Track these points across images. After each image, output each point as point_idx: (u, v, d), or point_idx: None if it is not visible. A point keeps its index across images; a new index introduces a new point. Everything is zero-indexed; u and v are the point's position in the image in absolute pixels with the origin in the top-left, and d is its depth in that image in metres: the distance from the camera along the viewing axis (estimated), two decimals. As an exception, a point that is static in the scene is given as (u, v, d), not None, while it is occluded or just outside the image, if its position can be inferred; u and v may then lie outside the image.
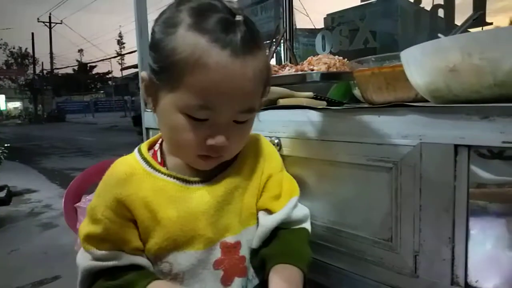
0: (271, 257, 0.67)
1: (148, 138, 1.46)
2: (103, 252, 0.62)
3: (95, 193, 0.67)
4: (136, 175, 0.65)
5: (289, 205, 0.71)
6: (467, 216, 0.56)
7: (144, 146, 0.71)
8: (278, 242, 0.69)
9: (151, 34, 0.63)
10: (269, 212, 0.70)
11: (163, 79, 0.59)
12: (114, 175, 0.66)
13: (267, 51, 0.66)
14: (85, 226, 0.65)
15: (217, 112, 0.58)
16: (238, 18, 0.56)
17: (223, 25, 0.55)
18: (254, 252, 0.70)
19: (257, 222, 0.71)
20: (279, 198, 0.71)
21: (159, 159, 0.69)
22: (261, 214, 0.71)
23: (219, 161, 0.66)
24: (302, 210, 0.74)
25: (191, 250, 0.64)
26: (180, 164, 0.68)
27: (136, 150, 0.70)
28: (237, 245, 0.67)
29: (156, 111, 0.64)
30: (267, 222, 0.69)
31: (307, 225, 0.75)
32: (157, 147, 0.71)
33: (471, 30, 1.12)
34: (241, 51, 0.55)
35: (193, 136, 0.59)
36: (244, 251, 0.68)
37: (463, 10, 1.17)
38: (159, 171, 0.66)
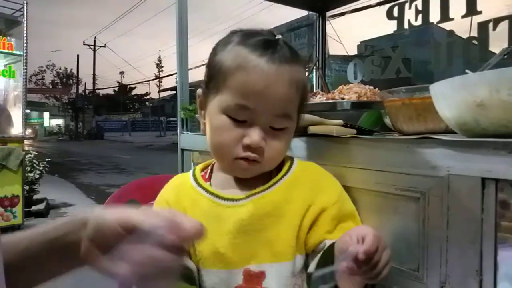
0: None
1: (182, 158, 1.52)
2: None
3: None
4: (183, 186, 0.74)
5: None
6: (495, 249, 0.56)
7: (200, 165, 0.80)
8: None
9: (210, 55, 0.71)
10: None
11: (211, 86, 0.68)
12: (168, 185, 0.77)
13: (306, 71, 0.71)
14: None
15: (254, 113, 0.63)
16: (278, 37, 0.66)
17: (264, 41, 0.65)
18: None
19: (294, 259, 0.67)
20: (332, 232, 0.68)
21: (207, 176, 0.76)
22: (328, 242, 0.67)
23: (256, 169, 0.67)
24: None
25: (214, 268, 0.67)
26: (222, 181, 0.73)
27: (192, 168, 0.79)
28: (261, 275, 0.65)
29: (205, 119, 0.71)
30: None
31: None
32: (210, 166, 0.78)
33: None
34: (278, 60, 0.63)
35: (232, 136, 0.64)
36: (269, 284, 0.65)
37: (501, 37, 1.17)
38: (200, 185, 0.73)
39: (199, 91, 0.73)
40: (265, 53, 0.63)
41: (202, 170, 0.78)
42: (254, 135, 0.63)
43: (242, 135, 0.64)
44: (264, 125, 0.65)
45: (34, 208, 4.45)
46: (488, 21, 1.17)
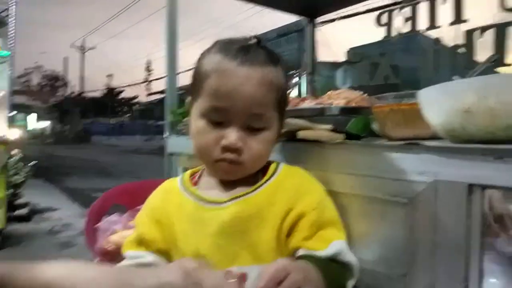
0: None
1: (170, 162, 1.50)
2: (135, 251, 0.70)
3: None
4: (171, 191, 0.75)
5: (333, 247, 0.65)
6: (481, 256, 0.56)
7: (191, 169, 0.80)
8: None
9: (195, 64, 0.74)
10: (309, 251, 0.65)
11: (193, 92, 0.71)
12: (157, 190, 0.78)
13: (283, 72, 0.72)
14: (129, 236, 0.74)
15: (228, 114, 0.65)
16: (252, 41, 0.69)
17: (239, 47, 0.67)
18: None
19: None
20: (310, 238, 0.66)
21: (196, 180, 0.77)
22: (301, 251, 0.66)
23: (238, 170, 0.68)
24: (353, 258, 0.67)
25: None
26: (208, 184, 0.74)
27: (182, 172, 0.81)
28: (242, 276, 0.61)
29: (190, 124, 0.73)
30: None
31: (354, 273, 0.68)
32: (201, 171, 0.79)
33: (497, 69, 1.13)
34: (249, 62, 0.66)
35: (211, 139, 0.67)
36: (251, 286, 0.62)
37: (487, 45, 1.19)
38: (187, 189, 0.74)
39: (188, 99, 0.75)
40: (237, 56, 0.66)
41: (192, 174, 0.79)
42: (230, 136, 0.65)
43: (221, 137, 0.66)
44: (241, 126, 0.66)
45: (17, 212, 4.35)
46: (474, 29, 1.19)
